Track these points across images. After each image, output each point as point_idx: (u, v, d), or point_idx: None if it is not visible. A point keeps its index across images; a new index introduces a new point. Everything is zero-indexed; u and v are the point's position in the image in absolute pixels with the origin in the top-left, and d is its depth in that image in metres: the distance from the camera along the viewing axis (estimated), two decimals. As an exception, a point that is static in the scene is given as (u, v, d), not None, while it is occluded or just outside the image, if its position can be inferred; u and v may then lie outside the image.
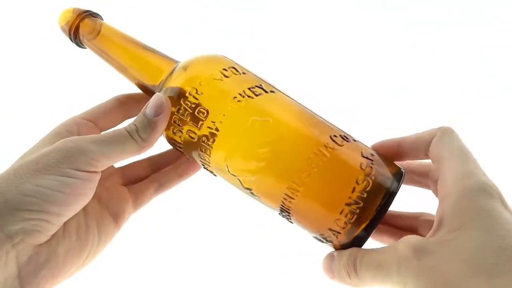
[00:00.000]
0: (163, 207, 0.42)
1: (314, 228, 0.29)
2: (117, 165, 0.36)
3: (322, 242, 0.30)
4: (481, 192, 0.25)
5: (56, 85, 0.66)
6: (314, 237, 0.30)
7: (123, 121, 0.36)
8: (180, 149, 0.33)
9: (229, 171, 0.30)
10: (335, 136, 0.29)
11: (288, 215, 0.30)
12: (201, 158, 0.32)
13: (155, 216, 0.57)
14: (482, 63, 0.69)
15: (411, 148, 0.31)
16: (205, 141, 0.30)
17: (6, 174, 0.28)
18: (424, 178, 0.33)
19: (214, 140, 0.30)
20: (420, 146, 0.30)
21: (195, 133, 0.31)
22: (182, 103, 0.31)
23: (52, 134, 0.32)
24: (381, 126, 0.65)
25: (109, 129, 0.35)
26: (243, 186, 0.30)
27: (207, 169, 0.33)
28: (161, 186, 0.37)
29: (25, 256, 0.26)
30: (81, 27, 0.36)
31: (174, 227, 0.62)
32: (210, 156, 0.31)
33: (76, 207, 0.29)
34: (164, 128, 0.32)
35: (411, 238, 0.26)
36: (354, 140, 0.30)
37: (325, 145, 0.28)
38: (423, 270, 0.24)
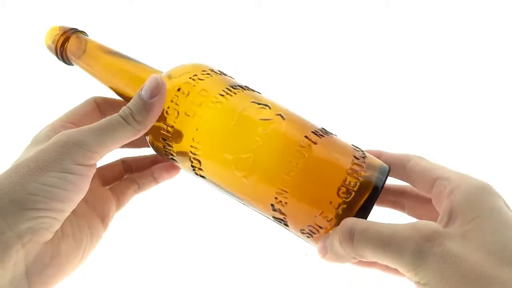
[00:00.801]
0: (143, 205, 0.42)
1: (312, 208, 0.29)
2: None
3: (313, 234, 0.30)
4: (486, 190, 0.27)
5: (55, 87, 0.66)
6: (307, 228, 0.30)
7: None
8: (168, 137, 0.32)
9: (223, 154, 0.30)
10: (324, 129, 0.32)
11: (285, 198, 0.29)
12: (193, 148, 0.31)
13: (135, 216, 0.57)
14: (483, 65, 0.69)
15: (391, 162, 0.32)
16: (201, 123, 0.31)
17: (7, 174, 0.28)
18: (399, 198, 0.34)
19: (210, 125, 0.31)
20: (398, 164, 0.32)
21: (187, 122, 0.31)
22: (170, 106, 0.32)
23: (41, 137, 0.32)
24: (382, 127, 0.65)
25: None
26: (236, 170, 0.30)
27: (195, 166, 0.33)
28: (140, 187, 0.38)
29: (32, 255, 0.27)
30: (67, 45, 0.36)
31: (155, 227, 0.62)
32: (204, 140, 0.31)
33: (75, 202, 0.29)
34: (160, 110, 0.31)
35: (432, 224, 0.26)
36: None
37: (320, 130, 0.31)
38: (450, 258, 0.24)
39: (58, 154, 0.28)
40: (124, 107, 0.31)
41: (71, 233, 0.30)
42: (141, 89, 0.31)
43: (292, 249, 0.59)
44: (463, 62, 0.70)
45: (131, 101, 0.31)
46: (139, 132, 0.31)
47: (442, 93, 0.69)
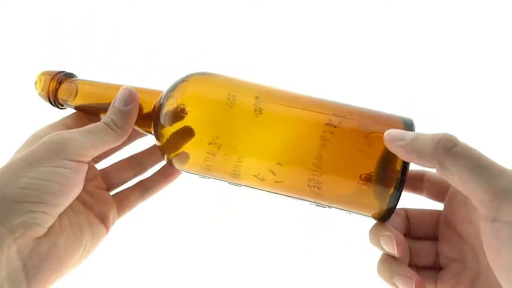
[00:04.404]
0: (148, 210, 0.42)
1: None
2: (100, 168, 0.38)
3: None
4: None
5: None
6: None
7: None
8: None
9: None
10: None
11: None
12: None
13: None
14: (483, 65, 0.69)
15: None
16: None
17: None
18: (418, 182, 0.34)
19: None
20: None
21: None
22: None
23: (31, 139, 0.33)
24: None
25: None
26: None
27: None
28: (147, 190, 0.38)
29: (27, 249, 0.27)
30: (59, 92, 0.36)
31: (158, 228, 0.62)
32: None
33: (70, 198, 0.29)
34: (136, 115, 0.34)
35: None
36: None
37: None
38: None
39: (49, 151, 0.29)
40: (104, 117, 0.33)
41: (69, 228, 0.30)
42: (114, 101, 0.33)
43: (292, 249, 0.59)
44: (463, 62, 0.70)
45: (108, 111, 0.33)
46: (121, 137, 0.33)
47: (443, 93, 0.69)
